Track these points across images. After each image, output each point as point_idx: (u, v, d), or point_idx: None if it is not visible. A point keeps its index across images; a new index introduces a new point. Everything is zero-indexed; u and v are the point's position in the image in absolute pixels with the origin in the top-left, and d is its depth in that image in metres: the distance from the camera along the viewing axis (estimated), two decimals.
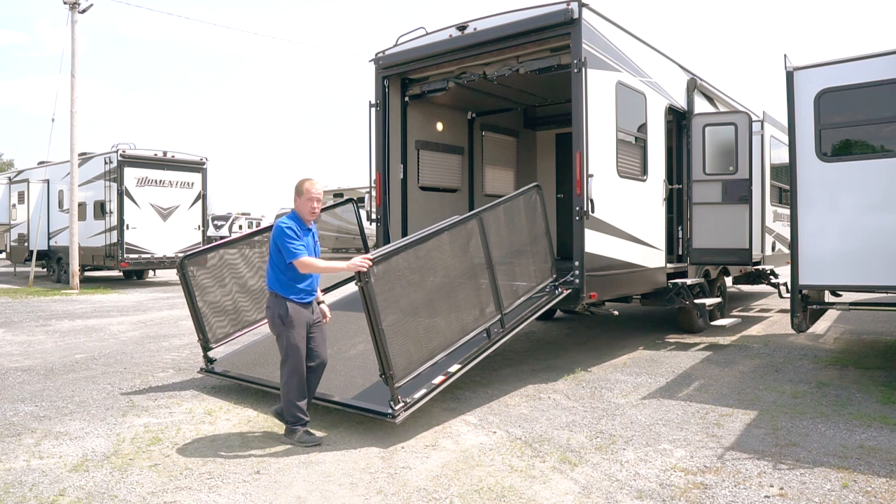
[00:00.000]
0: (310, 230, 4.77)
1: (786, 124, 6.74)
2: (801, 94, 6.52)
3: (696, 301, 8.72)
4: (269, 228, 7.16)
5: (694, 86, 9.11)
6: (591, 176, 6.56)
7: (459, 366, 5.26)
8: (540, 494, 3.79)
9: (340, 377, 5.51)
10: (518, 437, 4.79)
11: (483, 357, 5.55)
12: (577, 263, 6.62)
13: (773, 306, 12.21)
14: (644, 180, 7.89)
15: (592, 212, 6.63)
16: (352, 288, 7.78)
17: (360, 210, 8.53)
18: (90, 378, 6.72)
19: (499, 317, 5.77)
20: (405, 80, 8.64)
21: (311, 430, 4.72)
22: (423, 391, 4.90)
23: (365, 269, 4.50)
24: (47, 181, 19.68)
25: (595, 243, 6.74)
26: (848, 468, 4.09)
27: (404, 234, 8.69)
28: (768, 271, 11.88)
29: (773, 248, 10.93)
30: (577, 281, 6.59)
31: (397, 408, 4.65)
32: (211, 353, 6.32)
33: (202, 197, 18.13)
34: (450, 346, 5.21)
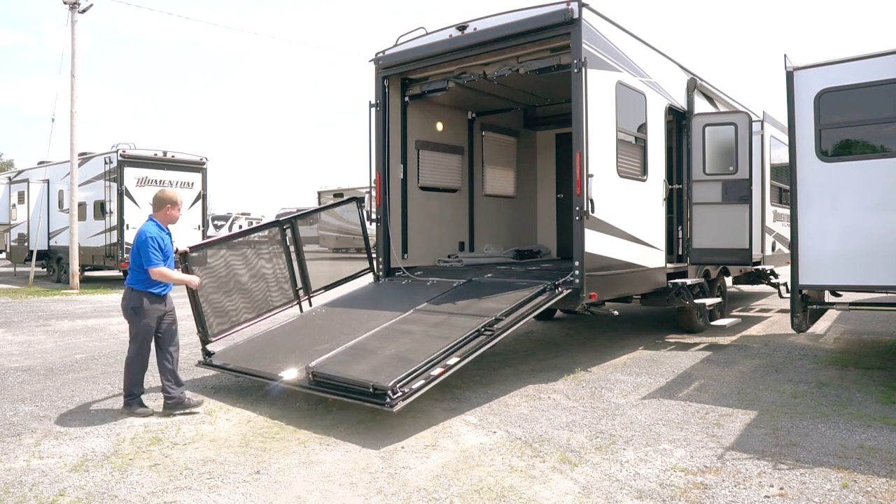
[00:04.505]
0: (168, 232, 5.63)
1: (786, 124, 6.74)
2: (801, 94, 6.52)
3: (696, 301, 8.72)
4: (271, 224, 7.29)
5: (694, 86, 9.11)
6: (591, 176, 6.56)
7: (458, 359, 5.26)
8: (540, 494, 3.79)
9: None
10: (518, 437, 4.79)
11: (482, 352, 5.55)
12: (577, 263, 6.62)
13: (773, 306, 12.21)
14: (644, 180, 7.89)
15: (592, 212, 6.62)
16: (351, 287, 7.87)
17: (362, 210, 8.55)
18: (90, 378, 6.72)
19: (497, 315, 5.79)
20: (405, 80, 8.64)
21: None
22: (422, 382, 4.92)
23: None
24: (47, 181, 19.67)
25: (595, 243, 6.74)
26: (848, 468, 4.09)
27: (404, 234, 8.70)
28: (768, 271, 11.87)
29: (773, 248, 10.93)
30: (577, 281, 6.59)
31: (395, 397, 4.67)
32: (209, 347, 6.38)
33: (202, 197, 18.11)
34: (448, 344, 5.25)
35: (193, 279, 5.84)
